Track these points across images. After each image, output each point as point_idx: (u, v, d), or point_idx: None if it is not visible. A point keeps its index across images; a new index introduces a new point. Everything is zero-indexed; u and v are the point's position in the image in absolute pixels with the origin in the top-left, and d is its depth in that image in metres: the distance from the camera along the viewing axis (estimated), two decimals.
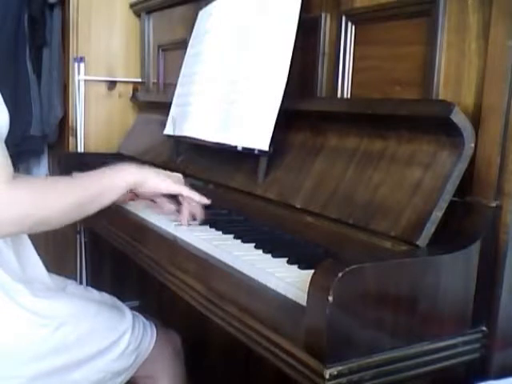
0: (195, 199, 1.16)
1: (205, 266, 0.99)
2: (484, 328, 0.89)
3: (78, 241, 2.15)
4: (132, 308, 1.25)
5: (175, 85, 1.66)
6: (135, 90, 2.23)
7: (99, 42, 2.14)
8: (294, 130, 1.25)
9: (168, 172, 1.21)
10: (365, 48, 1.19)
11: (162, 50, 2.08)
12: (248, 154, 1.26)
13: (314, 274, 0.74)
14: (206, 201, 1.17)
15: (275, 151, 1.21)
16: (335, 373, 0.72)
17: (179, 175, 1.21)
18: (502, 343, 0.90)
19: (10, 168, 0.94)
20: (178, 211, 1.19)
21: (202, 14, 1.61)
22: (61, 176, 1.21)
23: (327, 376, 0.71)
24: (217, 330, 1.14)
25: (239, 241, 1.07)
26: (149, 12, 2.13)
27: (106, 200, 1.05)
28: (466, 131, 0.88)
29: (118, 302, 1.26)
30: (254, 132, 1.25)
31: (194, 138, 1.48)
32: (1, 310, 1.03)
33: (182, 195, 1.16)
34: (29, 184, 1.01)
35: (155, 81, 2.13)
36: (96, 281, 2.13)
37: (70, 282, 1.28)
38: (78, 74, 2.11)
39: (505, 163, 0.88)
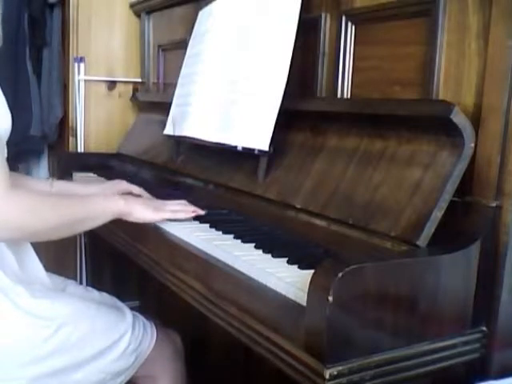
0: (180, 218, 1.22)
1: (205, 265, 0.99)
2: (484, 328, 0.89)
3: (78, 241, 2.15)
4: (132, 308, 1.25)
5: (175, 85, 1.66)
6: (135, 90, 2.23)
7: (99, 42, 2.14)
8: (294, 130, 1.25)
9: (155, 201, 1.28)
10: (365, 48, 1.19)
11: (162, 50, 2.08)
12: (248, 154, 1.26)
13: (314, 274, 0.74)
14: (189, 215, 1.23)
15: (275, 151, 1.21)
16: (335, 373, 0.72)
17: (164, 202, 1.25)
18: (501, 343, 0.90)
19: (7, 181, 0.96)
20: None
21: (201, 13, 1.61)
22: (53, 194, 1.28)
23: (327, 376, 0.71)
24: (217, 329, 1.14)
25: (239, 241, 1.07)
26: (149, 12, 2.13)
27: (92, 224, 1.13)
28: (466, 131, 0.88)
29: (118, 302, 1.26)
30: (254, 132, 1.25)
31: (194, 138, 1.48)
32: (1, 313, 1.03)
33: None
34: (23, 199, 1.01)
35: (155, 81, 2.13)
36: (96, 281, 2.13)
37: (70, 282, 1.28)
38: (78, 73, 2.11)
39: (505, 163, 0.88)
